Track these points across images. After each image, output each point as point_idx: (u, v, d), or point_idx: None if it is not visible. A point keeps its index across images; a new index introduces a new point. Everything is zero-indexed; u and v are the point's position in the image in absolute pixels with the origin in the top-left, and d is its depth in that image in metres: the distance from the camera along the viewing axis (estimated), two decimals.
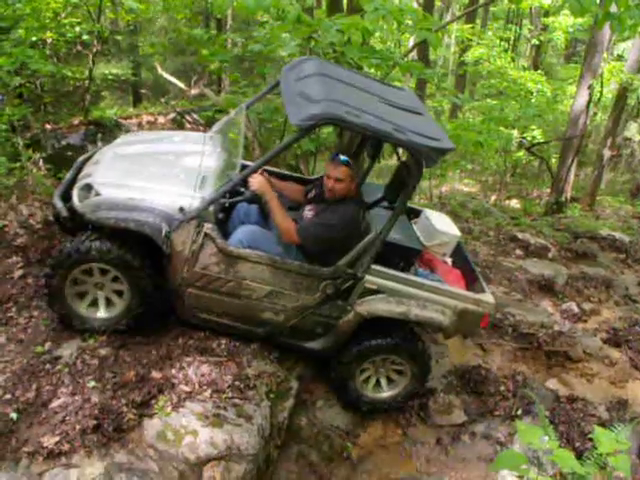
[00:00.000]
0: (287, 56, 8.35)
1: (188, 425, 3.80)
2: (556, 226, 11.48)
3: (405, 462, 4.95)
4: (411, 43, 22.97)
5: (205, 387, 4.12)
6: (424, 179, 15.12)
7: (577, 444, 5.10)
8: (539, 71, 17.66)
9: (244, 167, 4.38)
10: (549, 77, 19.24)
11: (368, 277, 4.45)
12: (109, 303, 4.52)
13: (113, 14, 13.20)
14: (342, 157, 4.53)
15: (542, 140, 15.83)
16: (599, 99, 16.18)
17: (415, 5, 16.38)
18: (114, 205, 4.17)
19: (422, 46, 11.42)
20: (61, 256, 4.21)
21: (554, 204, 14.24)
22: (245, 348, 4.62)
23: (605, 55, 14.10)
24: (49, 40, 8.79)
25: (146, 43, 16.45)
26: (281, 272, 4.35)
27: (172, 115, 12.76)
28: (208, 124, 11.33)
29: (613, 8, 6.19)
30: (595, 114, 18.71)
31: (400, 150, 4.92)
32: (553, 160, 16.91)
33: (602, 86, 14.80)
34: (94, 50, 9.65)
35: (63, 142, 9.10)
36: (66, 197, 4.48)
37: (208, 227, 4.18)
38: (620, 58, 16.92)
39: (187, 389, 4.07)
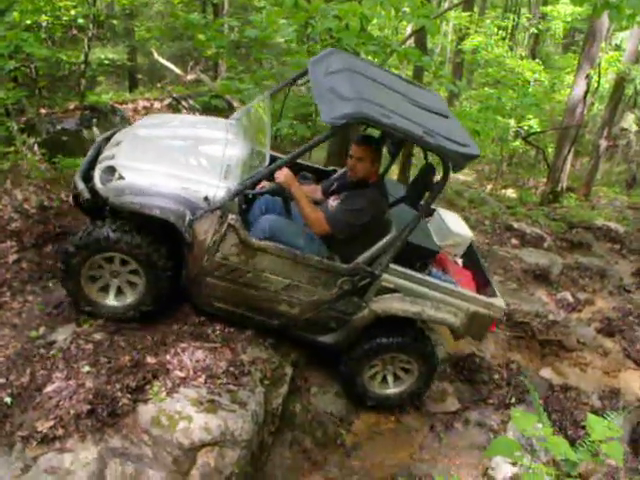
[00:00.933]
0: (284, 42, 8.32)
1: (182, 411, 3.80)
2: (552, 216, 11.53)
3: (399, 449, 4.96)
4: (408, 30, 22.92)
5: (199, 373, 4.12)
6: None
7: (570, 432, 5.14)
8: (537, 60, 17.61)
9: (272, 159, 4.35)
10: (547, 66, 19.19)
11: (385, 276, 4.46)
12: (119, 292, 4.51)
13: None
14: (365, 136, 4.59)
15: (539, 129, 15.82)
16: (596, 89, 16.16)
17: None
18: (138, 191, 4.17)
19: (420, 34, 11.29)
20: (89, 239, 4.18)
21: (550, 194, 14.25)
22: (240, 334, 4.62)
23: (603, 45, 14.09)
24: (44, 23, 8.69)
25: (142, 28, 16.33)
26: (300, 266, 4.34)
27: (168, 100, 12.68)
28: (204, 110, 11.30)
29: None
30: (592, 104, 18.69)
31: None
32: (550, 150, 16.90)
33: (600, 76, 14.79)
34: (89, 34, 9.55)
35: (58, 127, 9.01)
36: (87, 177, 4.46)
37: (232, 218, 4.15)
38: (618, 48, 16.89)
39: (181, 375, 4.06)
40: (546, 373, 6.09)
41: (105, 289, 4.49)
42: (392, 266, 4.47)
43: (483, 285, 5.12)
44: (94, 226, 4.25)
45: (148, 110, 12.06)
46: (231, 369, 4.24)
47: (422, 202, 4.62)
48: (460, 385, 5.73)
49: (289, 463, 4.47)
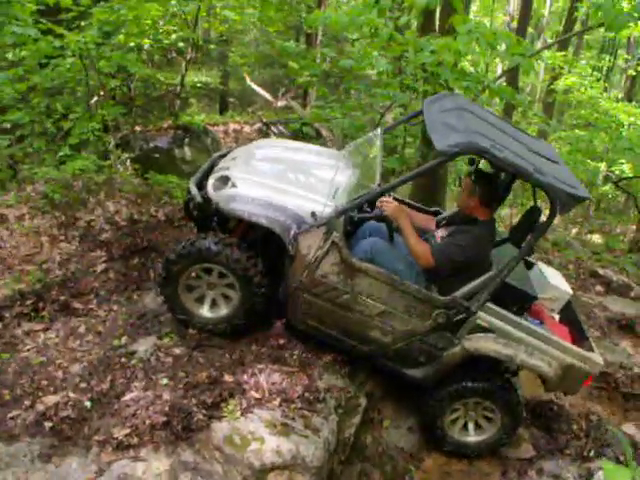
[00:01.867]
0: (377, 74, 8.38)
1: (255, 431, 3.80)
2: None
3: None
4: (499, 68, 22.72)
5: (275, 395, 4.11)
6: (504, 207, 14.86)
7: None
8: (633, 103, 17.12)
9: None
10: None
11: (481, 314, 4.39)
12: (214, 304, 4.62)
13: (207, 24, 13.54)
14: (478, 170, 4.61)
15: (631, 175, 15.31)
16: None
17: (507, 30, 16.19)
18: (249, 199, 4.32)
19: (512, 72, 11.22)
20: (192, 248, 4.34)
21: (639, 242, 13.73)
22: (317, 360, 4.60)
23: None
24: (146, 46, 9.07)
25: (236, 53, 16.80)
26: (398, 293, 4.31)
27: (258, 125, 12.95)
28: (293, 136, 11.47)
29: None
30: None
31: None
32: None
33: None
34: (187, 57, 9.90)
35: (151, 144, 9.36)
36: (200, 186, 4.65)
37: (336, 236, 4.19)
38: None
39: (257, 396, 4.07)
40: (629, 429, 5.80)
41: (200, 300, 4.61)
42: (489, 305, 4.39)
43: (579, 342, 4.92)
44: (197, 237, 4.40)
45: (238, 133, 12.36)
46: (306, 394, 4.21)
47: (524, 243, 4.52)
48: (536, 432, 5.51)
49: None
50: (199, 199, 4.47)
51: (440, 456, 5.02)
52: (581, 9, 16.90)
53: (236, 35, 17.54)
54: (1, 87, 7.28)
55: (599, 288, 9.27)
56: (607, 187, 15.88)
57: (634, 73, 20.52)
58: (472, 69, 8.00)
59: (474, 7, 28.29)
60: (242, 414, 3.90)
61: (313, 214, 4.25)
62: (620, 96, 20.56)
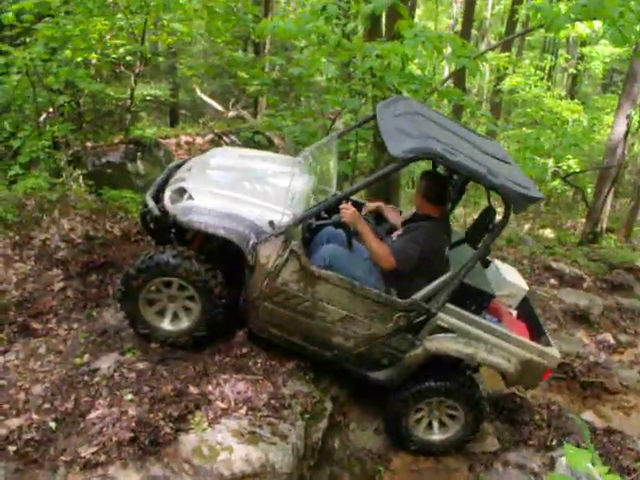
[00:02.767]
0: (326, 80, 8.45)
1: (224, 441, 3.80)
2: (591, 256, 11.35)
3: None
4: (446, 70, 23.07)
5: (241, 404, 4.12)
6: (458, 206, 15.09)
7: None
8: (575, 100, 17.56)
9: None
10: (585, 106, 19.12)
11: (441, 315, 4.46)
12: (175, 316, 4.61)
13: (155, 37, 13.46)
14: (429, 172, 4.84)
15: (578, 170, 15.71)
16: (637, 129, 16.03)
17: (451, 33, 16.45)
18: (206, 211, 4.31)
19: (459, 74, 11.42)
20: (150, 262, 4.32)
21: (589, 234, 14.07)
22: (281, 367, 4.63)
23: None
24: (93, 61, 8.99)
25: (185, 65, 16.72)
26: (358, 298, 4.36)
27: (210, 136, 12.92)
28: (246, 145, 11.47)
29: None
30: (633, 144, 18.51)
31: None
32: (589, 190, 16.76)
33: None
34: (136, 71, 9.83)
35: (103, 159, 9.25)
36: (156, 199, 4.64)
37: (295, 244, 4.22)
38: None
39: (223, 406, 4.07)
40: (588, 416, 5.97)
41: (161, 313, 4.60)
42: (448, 306, 4.46)
43: (537, 337, 5.05)
44: (155, 251, 4.40)
45: (190, 145, 12.30)
46: (272, 402, 4.23)
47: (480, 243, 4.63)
48: (500, 425, 5.63)
49: None
50: (156, 212, 4.47)
51: (407, 455, 5.07)
52: (521, 11, 17.30)
53: (184, 47, 17.46)
54: None
55: (553, 281, 9.51)
56: (556, 182, 16.25)
57: (575, 71, 21.08)
58: (420, 72, 8.10)
59: (419, 11, 28.68)
60: (209, 425, 3.90)
61: (271, 223, 4.28)
62: (563, 94, 21.06)
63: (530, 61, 20.63)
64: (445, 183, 4.83)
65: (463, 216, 15.04)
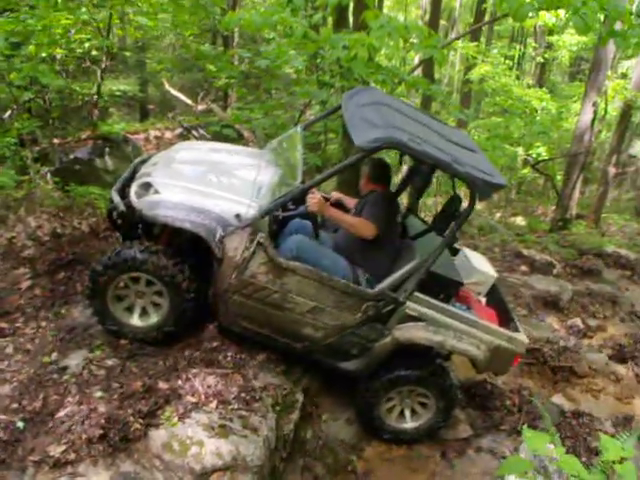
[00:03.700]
0: (294, 72, 8.44)
1: (194, 436, 3.80)
2: (561, 243, 11.50)
3: (411, 476, 4.92)
4: (416, 61, 23.14)
5: (211, 398, 4.12)
6: (429, 195, 15.18)
7: (583, 459, 5.07)
8: (543, 89, 17.72)
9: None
10: (553, 95, 19.30)
11: (410, 304, 4.48)
12: (144, 312, 4.59)
13: (121, 31, 13.31)
14: (372, 158, 4.91)
15: (547, 157, 15.88)
16: (604, 116, 16.25)
17: (420, 23, 16.50)
18: (172, 205, 4.27)
19: (427, 64, 11.45)
20: (117, 258, 4.30)
21: (559, 221, 14.25)
22: (251, 360, 4.63)
23: (609, 73, 14.19)
24: (58, 56, 8.87)
25: (154, 60, 16.59)
26: (326, 289, 4.37)
27: (179, 130, 12.83)
28: (215, 139, 11.42)
29: (618, 26, 6.27)
30: (600, 131, 18.75)
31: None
32: (558, 177, 16.94)
33: (606, 103, 14.89)
34: (103, 66, 9.73)
35: (71, 156, 9.17)
36: (122, 195, 4.59)
37: (262, 236, 4.22)
38: (624, 76, 17.01)
39: (193, 400, 4.07)
40: (558, 399, 6.04)
41: (130, 309, 4.58)
42: (416, 294, 4.49)
43: (506, 323, 5.10)
44: (123, 246, 4.37)
45: (159, 140, 12.22)
46: (242, 395, 4.24)
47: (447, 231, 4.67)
48: (472, 412, 5.69)
49: None
50: (122, 208, 4.43)
51: (380, 444, 5.10)
52: (489, 0, 17.38)
53: (152, 41, 17.32)
54: None
55: (524, 268, 9.60)
56: (526, 170, 16.41)
57: (543, 60, 21.25)
58: (388, 63, 8.13)
59: (388, 2, 28.70)
60: (179, 420, 3.89)
61: (237, 216, 4.27)
62: (531, 82, 21.24)
63: (499, 50, 20.71)
64: (387, 166, 5.05)
65: (435, 205, 15.13)
